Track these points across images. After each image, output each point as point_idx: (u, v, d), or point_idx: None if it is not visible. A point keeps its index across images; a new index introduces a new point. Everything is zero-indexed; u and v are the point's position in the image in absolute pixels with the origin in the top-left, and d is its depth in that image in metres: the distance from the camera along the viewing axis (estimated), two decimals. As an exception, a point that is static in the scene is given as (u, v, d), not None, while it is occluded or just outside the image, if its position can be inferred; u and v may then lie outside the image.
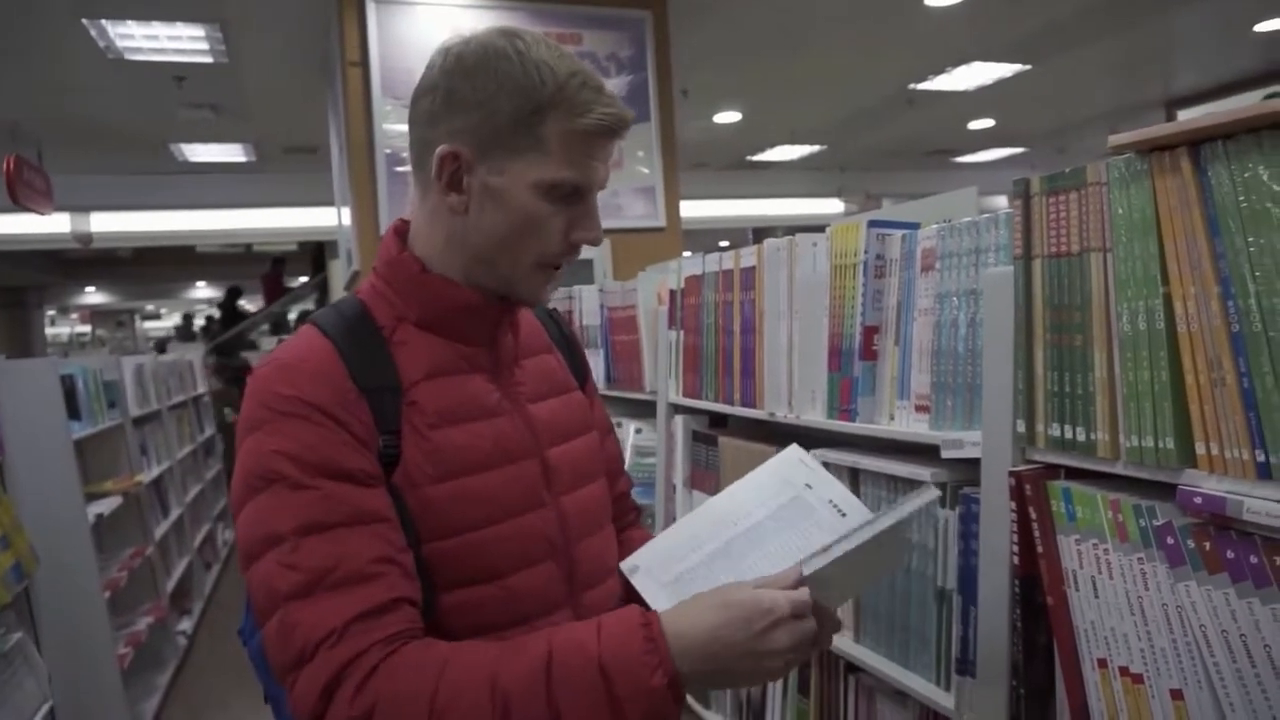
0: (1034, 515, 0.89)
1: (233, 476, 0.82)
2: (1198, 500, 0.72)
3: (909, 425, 1.15)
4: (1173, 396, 0.76)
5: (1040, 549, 0.88)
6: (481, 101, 0.84)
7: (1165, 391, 0.77)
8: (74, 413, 3.28)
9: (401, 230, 0.93)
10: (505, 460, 0.88)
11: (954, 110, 7.31)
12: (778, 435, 1.53)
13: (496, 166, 0.85)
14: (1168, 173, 0.77)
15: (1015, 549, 0.91)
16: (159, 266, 13.45)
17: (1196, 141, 0.74)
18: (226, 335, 9.91)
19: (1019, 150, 9.43)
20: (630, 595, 0.94)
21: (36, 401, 2.72)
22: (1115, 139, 0.79)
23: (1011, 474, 0.91)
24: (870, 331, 1.22)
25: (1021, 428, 0.92)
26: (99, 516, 3.18)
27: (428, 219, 0.90)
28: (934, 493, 0.87)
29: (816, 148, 8.51)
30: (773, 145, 8.41)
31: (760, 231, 10.22)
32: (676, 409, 1.89)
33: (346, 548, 0.76)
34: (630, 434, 2.12)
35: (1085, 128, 8.41)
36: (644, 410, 2.06)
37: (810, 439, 1.39)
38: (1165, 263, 0.77)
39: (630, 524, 1.14)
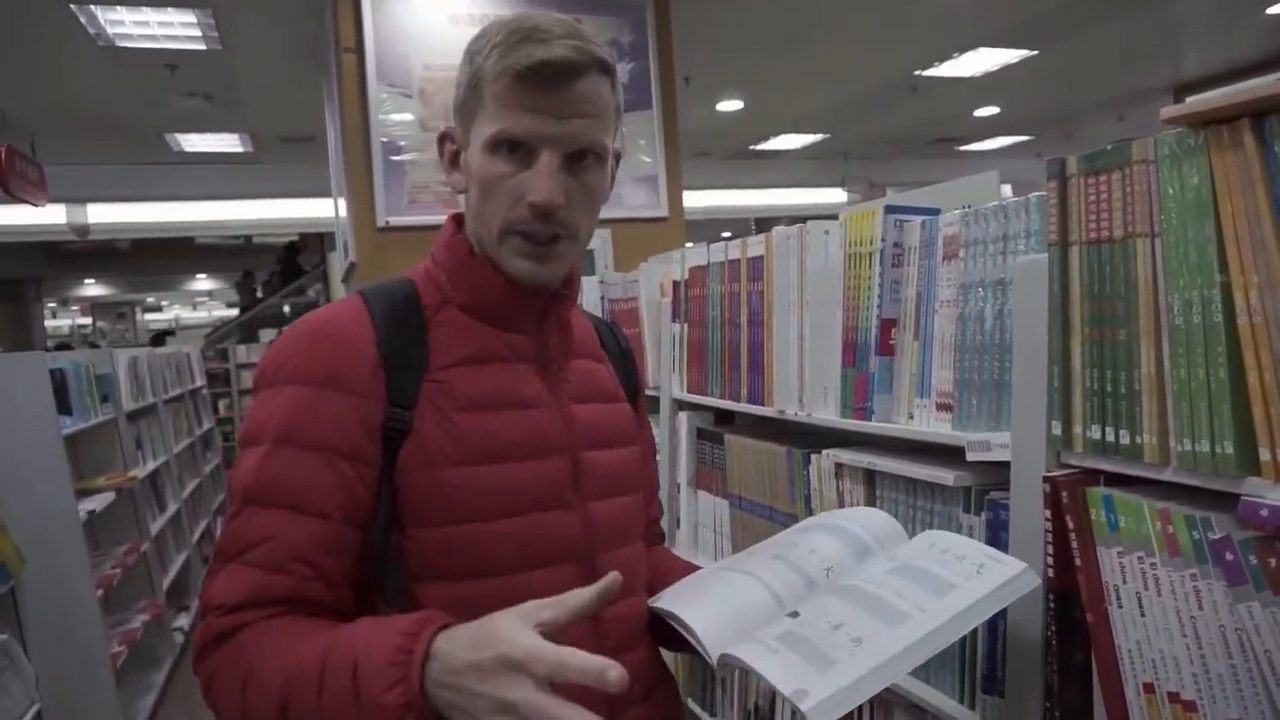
0: (1071, 525, 0.82)
1: (241, 423, 0.86)
2: (1264, 512, 0.65)
3: (930, 425, 1.08)
4: (1232, 396, 0.69)
5: (1078, 561, 0.81)
6: (459, 79, 0.88)
7: (1224, 391, 0.69)
8: (65, 407, 3.22)
9: (460, 216, 0.94)
10: (534, 454, 0.86)
11: (959, 97, 7.22)
12: (787, 433, 1.46)
13: (467, 137, 0.88)
14: (1227, 148, 0.69)
15: (1050, 560, 0.84)
16: (158, 258, 13.37)
17: (1261, 113, 0.67)
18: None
19: (1025, 138, 9.33)
20: (656, 634, 0.91)
21: (25, 396, 2.66)
22: (1168, 111, 0.71)
23: (1046, 479, 0.84)
24: (887, 325, 1.14)
25: (1057, 429, 0.85)
26: (91, 513, 3.12)
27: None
28: (1031, 581, 0.81)
29: (820, 136, 8.42)
30: (776, 134, 8.32)
31: (763, 222, 10.12)
32: (680, 405, 1.81)
33: (275, 530, 0.78)
34: (632, 430, 2.05)
35: (1092, 114, 8.31)
36: (647, 406, 1.99)
37: (823, 438, 1.32)
38: (1224, 248, 0.69)
39: (654, 544, 1.11)
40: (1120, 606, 0.78)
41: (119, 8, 4.24)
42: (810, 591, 0.86)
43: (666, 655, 1.00)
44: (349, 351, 0.82)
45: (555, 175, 0.83)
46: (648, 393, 1.96)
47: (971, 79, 6.58)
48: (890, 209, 1.14)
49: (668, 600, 0.90)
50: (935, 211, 1.12)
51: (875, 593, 0.81)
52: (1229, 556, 0.68)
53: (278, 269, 11.78)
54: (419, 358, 0.85)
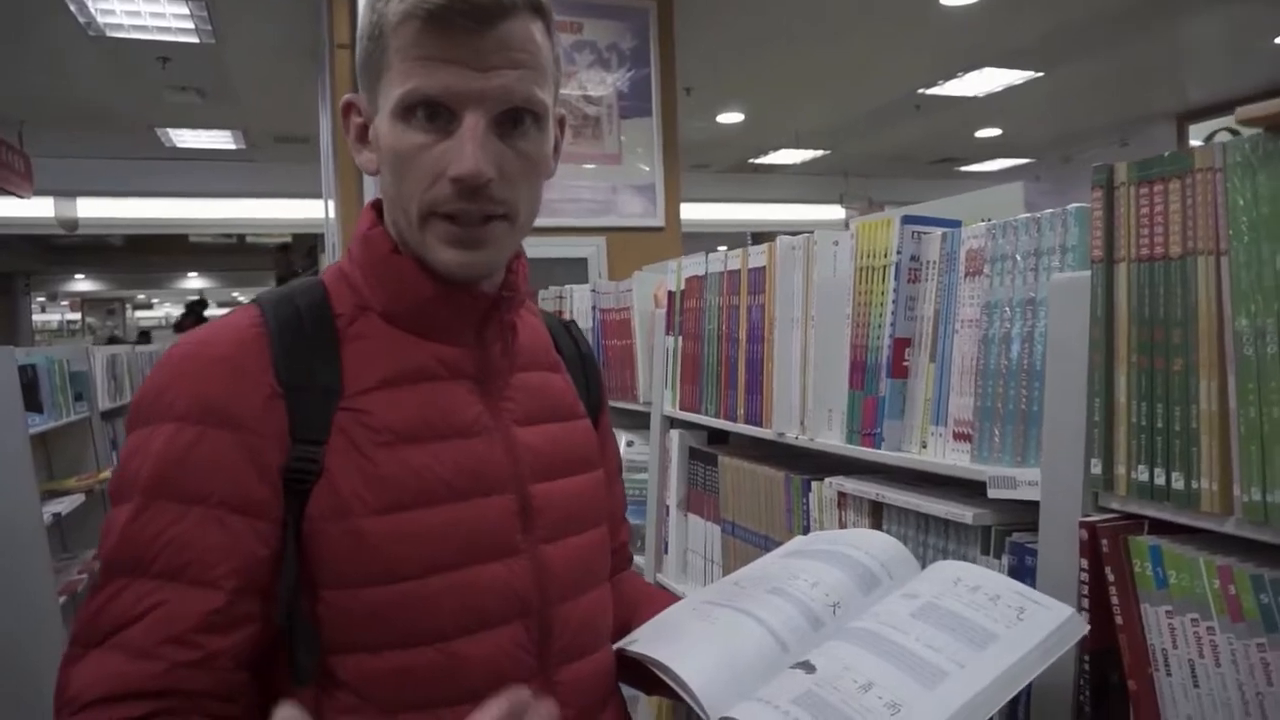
0: (1111, 577, 0.72)
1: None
2: (1354, 579, 0.56)
3: (945, 456, 0.99)
4: (1313, 441, 0.60)
5: (1119, 619, 0.72)
6: (359, 31, 0.72)
7: (1303, 434, 0.60)
8: (35, 405, 3.11)
9: (379, 204, 0.78)
10: (471, 492, 0.72)
11: (962, 117, 7.17)
12: (787, 457, 1.36)
13: (375, 106, 0.72)
14: (1312, 155, 0.60)
15: (1086, 617, 0.75)
16: (150, 255, 13.23)
17: (1357, 114, 0.58)
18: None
19: (1025, 161, 9.30)
20: (625, 671, 0.78)
21: (-11, 392, 2.55)
22: (1245, 111, 0.62)
23: (1083, 524, 0.75)
24: (901, 344, 1.05)
25: (1096, 468, 0.75)
26: (58, 516, 3.01)
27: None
28: (1079, 629, 0.72)
29: (820, 152, 8.37)
30: (775, 148, 8.26)
31: (759, 237, 10.03)
32: (673, 422, 1.72)
33: (146, 606, 0.63)
34: (622, 446, 1.95)
35: (1093, 139, 8.27)
36: (637, 422, 1.90)
37: (825, 465, 1.23)
38: (1305, 270, 0.60)
39: (622, 569, 0.98)
40: (1169, 675, 0.68)
41: (110, -4, 4.15)
42: (816, 632, 0.76)
43: (634, 694, 0.88)
44: (237, 378, 0.67)
45: (483, 141, 0.68)
46: (638, 408, 1.87)
47: (975, 99, 6.53)
48: (908, 219, 1.04)
49: (647, 643, 0.78)
50: (956, 223, 1.03)
51: (903, 642, 0.71)
52: (1306, 627, 0.59)
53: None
54: (330, 380, 0.69)
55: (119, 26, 4.46)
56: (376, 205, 0.78)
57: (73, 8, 4.20)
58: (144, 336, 9.85)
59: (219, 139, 7.05)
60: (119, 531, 0.64)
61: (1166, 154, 0.70)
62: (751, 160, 8.71)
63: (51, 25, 4.41)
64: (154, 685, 0.62)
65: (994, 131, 7.97)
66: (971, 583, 0.76)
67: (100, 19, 4.36)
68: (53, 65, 5.12)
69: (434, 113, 0.68)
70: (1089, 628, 0.72)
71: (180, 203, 8.09)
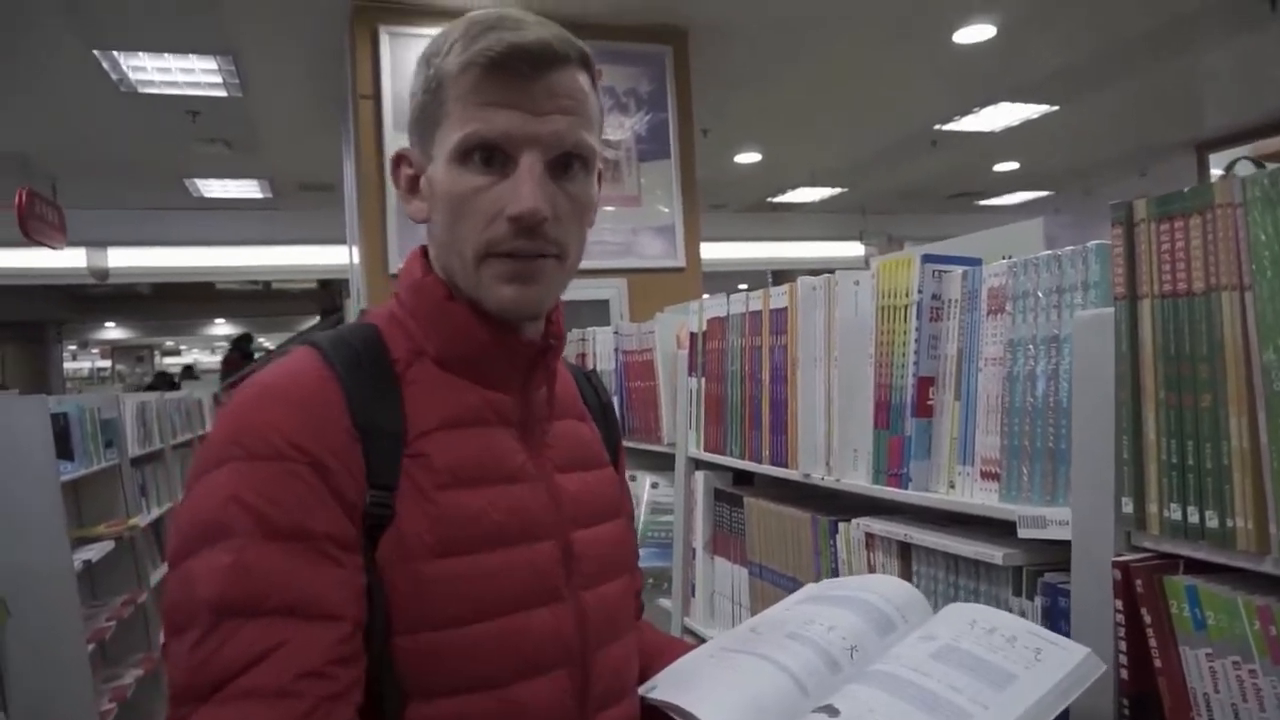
0: (1148, 619, 0.71)
1: (176, 517, 0.66)
2: (1398, 620, 0.55)
3: (973, 495, 0.98)
4: (1349, 478, 0.59)
5: (1158, 662, 0.70)
6: (412, 91, 0.77)
7: (1338, 471, 0.59)
8: (66, 453, 3.15)
9: (427, 251, 0.80)
10: (521, 538, 0.72)
11: (979, 152, 7.19)
12: (813, 498, 1.36)
13: (428, 155, 0.75)
14: (1334, 190, 0.60)
15: (1123, 659, 0.73)
16: (178, 303, 13.47)
17: (1377, 149, 0.58)
18: (225, 382, 9.83)
19: (1044, 194, 9.29)
20: (645, 717, 0.78)
21: (22, 441, 2.59)
22: (1261, 146, 0.62)
23: (1116, 564, 0.74)
24: (925, 383, 1.05)
25: (1128, 507, 0.74)
26: (88, 563, 3.02)
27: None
28: (1096, 668, 0.71)
29: (838, 189, 8.40)
30: (793, 186, 8.31)
31: (780, 274, 10.07)
32: (697, 464, 1.71)
33: (271, 643, 0.60)
34: (645, 488, 1.94)
35: (1113, 170, 8.26)
36: (661, 463, 1.89)
37: (852, 506, 1.22)
38: (1333, 305, 0.60)
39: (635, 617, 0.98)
40: (1212, 719, 0.67)
41: (141, 54, 4.27)
42: (835, 675, 0.75)
43: None
44: (317, 419, 0.66)
45: (539, 182, 0.71)
46: (662, 449, 1.87)
47: (991, 134, 6.55)
48: (928, 258, 1.05)
49: (668, 689, 0.78)
50: (976, 261, 1.03)
51: (925, 684, 0.70)
52: (1352, 669, 0.58)
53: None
54: (395, 425, 0.70)
55: (150, 82, 4.60)
56: (425, 251, 0.79)
57: (105, 65, 4.33)
58: (169, 381, 9.91)
59: (246, 188, 7.21)
60: (225, 571, 0.61)
61: (1186, 190, 0.70)
62: (770, 199, 8.77)
63: (85, 82, 4.55)
64: None
65: (1012, 165, 7.97)
66: (987, 624, 0.76)
67: (132, 75, 4.49)
68: (86, 120, 5.27)
69: (490, 156, 0.71)
70: (1105, 666, 0.71)
71: (208, 251, 8.25)
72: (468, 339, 0.75)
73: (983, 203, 9.58)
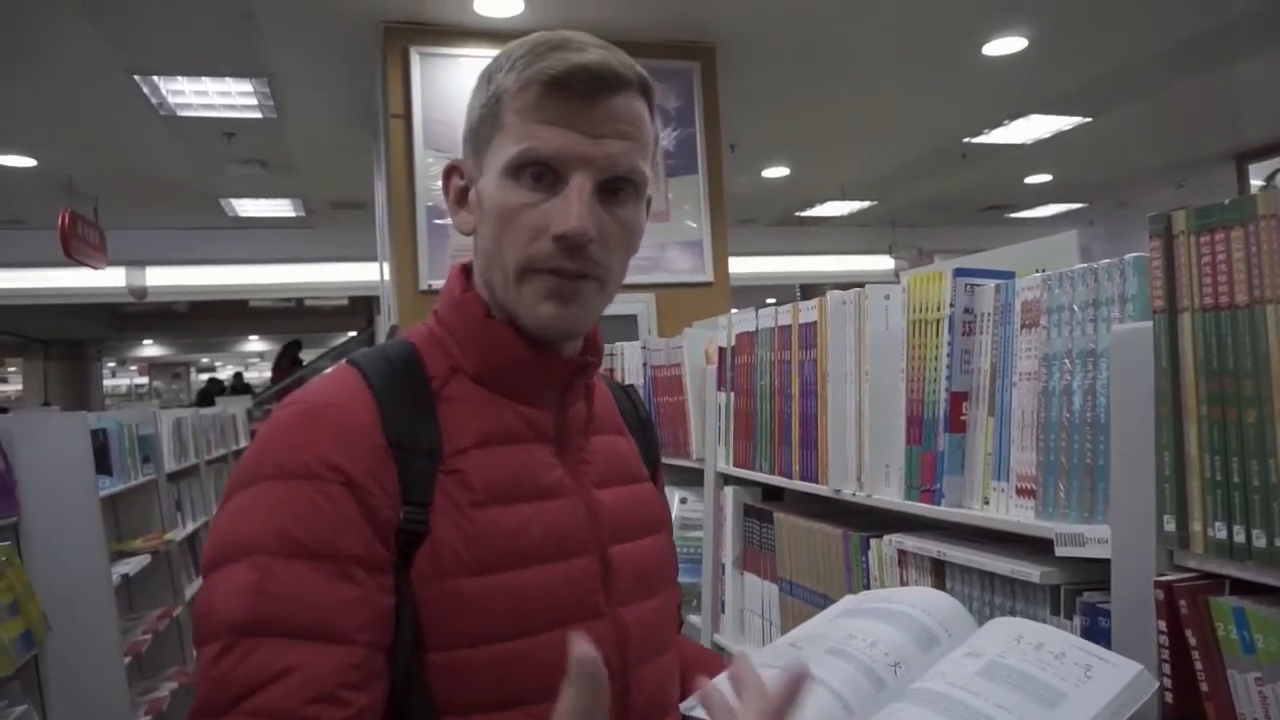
0: (1194, 641, 0.69)
1: (210, 531, 0.68)
2: None
3: (1009, 512, 0.96)
4: (1403, 496, 0.57)
5: (1205, 686, 0.68)
6: (471, 104, 0.78)
7: (1391, 489, 0.57)
8: (105, 468, 3.21)
9: (469, 268, 0.81)
10: (558, 554, 0.72)
11: (1010, 164, 7.12)
12: (843, 513, 1.34)
13: (480, 169, 0.76)
14: (1382, 200, 0.58)
15: (1168, 682, 0.71)
16: (213, 320, 13.69)
17: None
18: (274, 389, 9.91)
19: (1078, 206, 9.17)
20: None
21: (63, 457, 2.64)
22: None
23: (1158, 584, 0.72)
24: (958, 398, 1.03)
25: (1170, 525, 0.73)
26: (125, 576, 3.07)
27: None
28: (1149, 686, 0.69)
29: (867, 203, 8.36)
30: (822, 201, 8.28)
31: (808, 289, 10.03)
32: (726, 479, 1.70)
33: (287, 665, 0.60)
34: (674, 504, 1.93)
35: (1148, 182, 8.14)
36: (690, 478, 1.88)
37: (884, 522, 1.20)
38: (1383, 317, 0.58)
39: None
40: (1261, 746, 0.65)
41: (180, 79, 4.37)
42: (879, 693, 0.74)
43: None
44: (351, 437, 0.67)
45: (588, 202, 0.70)
46: (691, 464, 1.86)
47: (1022, 146, 6.49)
48: (960, 272, 1.04)
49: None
50: (1010, 275, 1.01)
51: (972, 704, 0.69)
52: None
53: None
54: (430, 442, 0.70)
55: (188, 106, 4.70)
56: (465, 269, 0.80)
57: (145, 90, 4.43)
58: (207, 398, 10.03)
59: (279, 207, 7.32)
60: (246, 591, 0.62)
61: (1227, 202, 0.69)
62: (798, 213, 8.74)
63: (126, 108, 4.66)
64: None
65: (1044, 177, 7.88)
66: (1035, 640, 0.75)
67: (171, 99, 4.60)
68: (126, 143, 5.40)
69: (542, 173, 0.71)
70: (1158, 684, 0.70)
71: (242, 269, 8.38)
72: (505, 356, 0.75)
73: (1014, 215, 9.48)
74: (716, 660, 0.93)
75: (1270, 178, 6.75)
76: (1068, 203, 9.08)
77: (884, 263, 9.40)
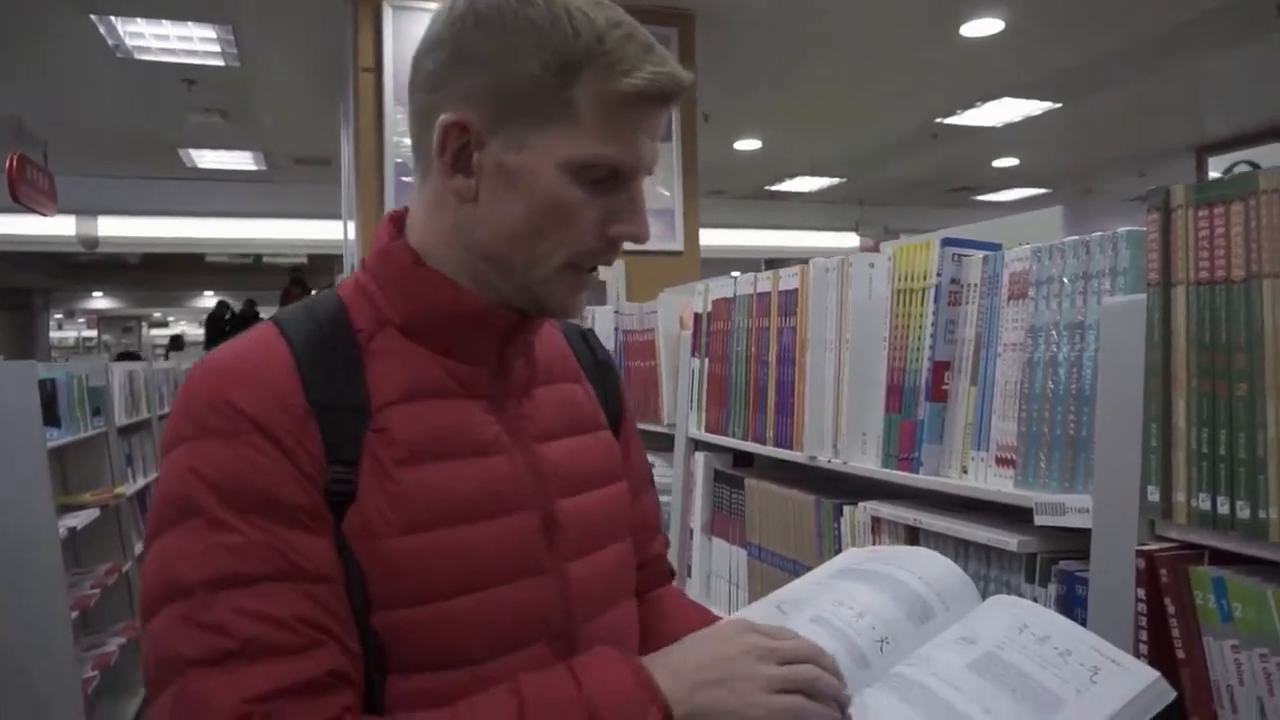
0: (1172, 609, 0.70)
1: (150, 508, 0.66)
2: None
3: (987, 481, 0.96)
4: (1391, 469, 0.58)
5: (1181, 654, 0.69)
6: (496, 57, 0.67)
7: (1380, 462, 0.58)
8: (53, 419, 3.12)
9: (398, 217, 0.76)
10: (494, 511, 0.70)
11: (979, 146, 7.18)
12: (815, 480, 1.35)
13: (514, 140, 0.68)
14: (1387, 175, 0.59)
15: (1144, 650, 0.72)
16: (167, 274, 13.35)
17: None
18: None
19: (1043, 191, 9.29)
20: None
21: (9, 406, 2.55)
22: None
23: (1140, 553, 0.72)
24: (940, 368, 1.04)
25: (1154, 495, 0.73)
26: (73, 530, 2.99)
27: (428, 206, 0.73)
28: (1165, 696, 0.66)
29: (836, 180, 8.38)
30: (792, 175, 8.28)
31: (774, 263, 10.00)
32: (697, 445, 1.70)
33: (273, 609, 0.60)
34: (643, 470, 1.93)
35: (1112, 170, 8.27)
36: (661, 444, 1.88)
37: (857, 489, 1.21)
38: (1381, 292, 0.59)
39: (661, 585, 0.96)
40: (1235, 713, 0.66)
41: (139, 20, 4.20)
42: (862, 671, 0.72)
43: None
44: (270, 397, 0.64)
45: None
46: (661, 430, 1.85)
47: (992, 129, 6.54)
48: (948, 242, 1.03)
49: None
50: (996, 246, 1.01)
51: (952, 702, 0.65)
52: (1387, 663, 0.56)
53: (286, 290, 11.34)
54: (357, 399, 0.67)
55: (146, 49, 4.53)
56: (396, 219, 0.76)
57: (101, 30, 4.26)
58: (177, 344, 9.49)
59: (240, 160, 7.13)
60: (206, 553, 0.60)
61: (1228, 176, 0.69)
62: (768, 187, 8.74)
63: (80, 47, 4.48)
64: (318, 670, 0.60)
65: (1012, 161, 7.97)
66: (1040, 631, 0.71)
67: (129, 41, 4.42)
68: (80, 86, 5.19)
69: (609, 176, 0.69)
70: (1175, 694, 0.66)
71: (199, 222, 8.16)
72: (439, 309, 0.71)
73: (980, 198, 9.58)
74: (705, 616, 0.91)
75: (1228, 170, 6.89)
76: (1033, 187, 9.20)
77: (849, 240, 9.46)
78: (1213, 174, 7.09)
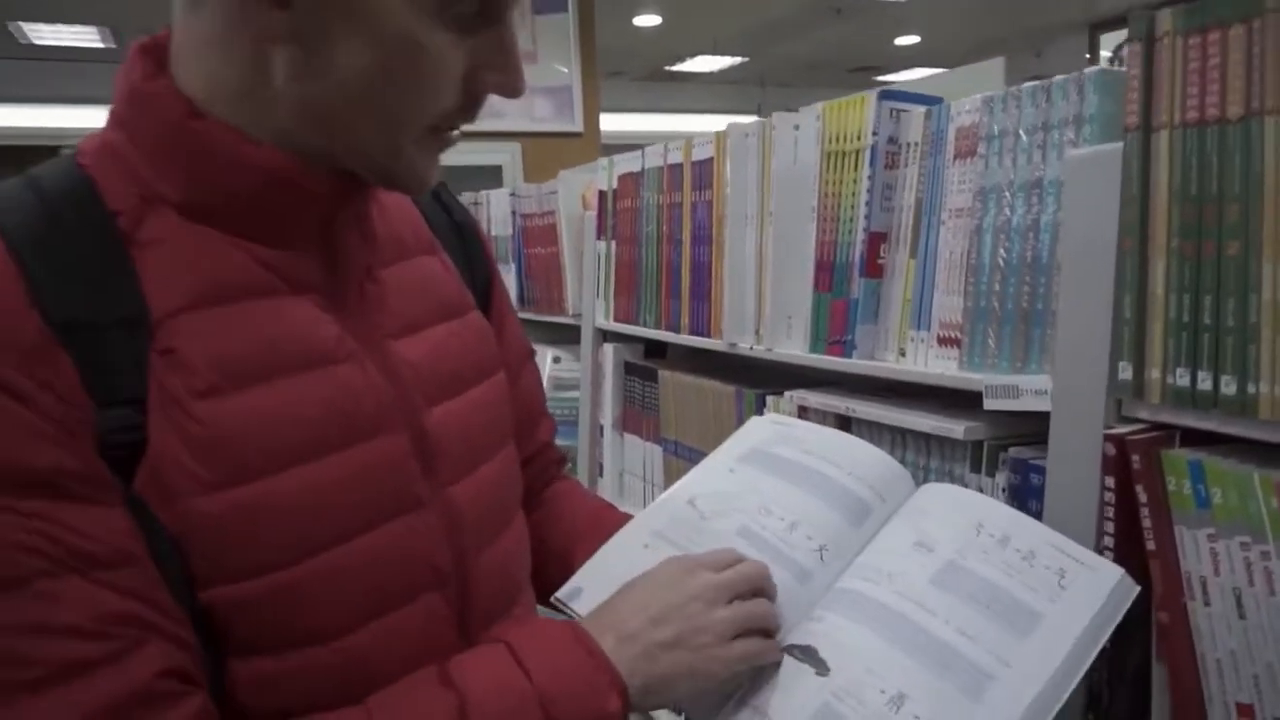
0: (1143, 497, 0.63)
1: None
2: None
3: (929, 364, 0.88)
4: None
5: (1152, 544, 0.63)
6: None
7: (1401, 326, 0.50)
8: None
9: (152, 48, 0.54)
10: (347, 439, 0.54)
11: (881, 23, 7.04)
12: (736, 369, 1.25)
13: None
14: None
15: (1110, 542, 0.66)
16: (12, 168, 12.14)
17: None
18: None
19: (943, 70, 9.27)
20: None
21: None
22: None
23: (1109, 437, 0.65)
24: (876, 239, 0.93)
25: (1126, 373, 0.65)
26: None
27: (210, 42, 0.52)
28: (1129, 593, 0.61)
29: (738, 59, 8.14)
30: (693, 54, 7.99)
31: (676, 148, 9.84)
32: (605, 335, 1.58)
33: (61, 614, 0.45)
34: (548, 364, 1.81)
35: (1008, 49, 8.27)
36: (566, 336, 1.75)
37: (782, 377, 1.12)
38: None
39: (552, 478, 0.84)
40: (1208, 605, 0.60)
41: None
42: (804, 586, 0.64)
43: None
44: None
45: None
46: (567, 320, 1.73)
47: (895, 3, 6.40)
48: (886, 94, 0.92)
49: (594, 599, 0.64)
50: (938, 100, 0.90)
51: (931, 629, 0.59)
52: (1395, 551, 0.50)
53: None
54: (128, 309, 0.49)
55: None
56: (148, 49, 0.54)
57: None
58: None
59: (83, 36, 6.37)
60: None
61: (1224, -7, 0.58)
62: (668, 67, 8.42)
63: None
64: (142, 676, 0.46)
65: (913, 39, 7.88)
66: (998, 530, 0.65)
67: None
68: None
69: (475, 12, 0.52)
70: (1139, 589, 0.62)
71: (42, 110, 7.33)
72: (230, 174, 0.52)
73: (882, 79, 9.51)
74: (608, 516, 0.79)
75: (1118, 49, 6.98)
76: (934, 67, 9.16)
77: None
78: (1103, 53, 7.17)
